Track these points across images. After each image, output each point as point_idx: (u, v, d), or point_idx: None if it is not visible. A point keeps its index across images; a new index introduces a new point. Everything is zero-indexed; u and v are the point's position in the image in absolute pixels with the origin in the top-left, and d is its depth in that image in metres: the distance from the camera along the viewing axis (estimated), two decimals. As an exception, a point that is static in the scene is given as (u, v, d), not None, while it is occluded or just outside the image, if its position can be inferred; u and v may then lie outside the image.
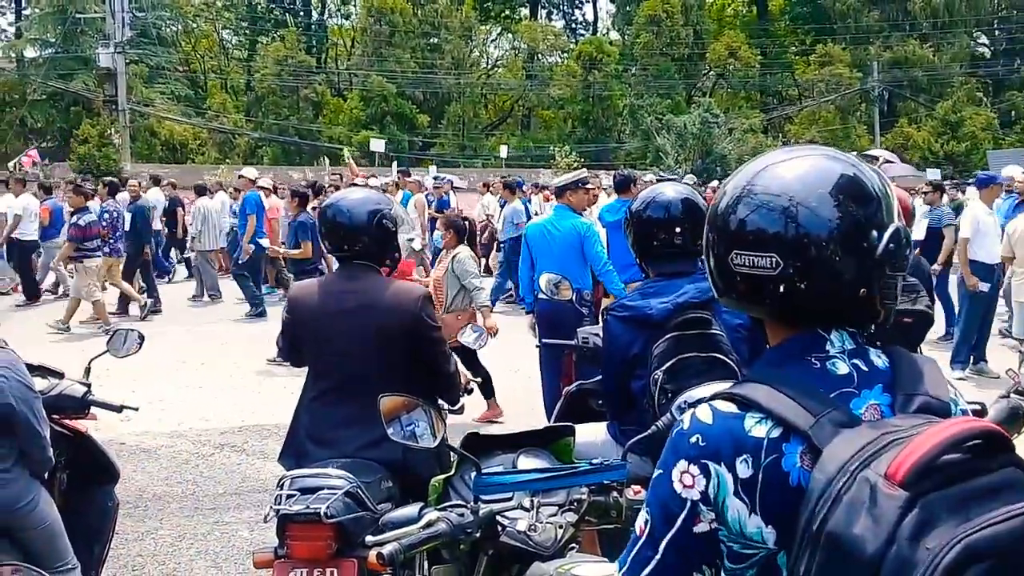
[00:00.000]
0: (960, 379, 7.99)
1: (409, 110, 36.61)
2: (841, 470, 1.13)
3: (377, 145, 25.27)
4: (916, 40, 37.45)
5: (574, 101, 37.31)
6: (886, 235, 1.29)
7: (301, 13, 44.40)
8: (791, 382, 1.26)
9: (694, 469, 1.24)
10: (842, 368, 1.29)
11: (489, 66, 45.15)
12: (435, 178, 17.42)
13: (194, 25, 41.95)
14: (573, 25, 48.27)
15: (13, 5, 39.89)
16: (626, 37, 40.74)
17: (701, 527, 1.24)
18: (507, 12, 45.52)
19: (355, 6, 43.19)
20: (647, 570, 1.27)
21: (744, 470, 1.22)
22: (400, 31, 37.01)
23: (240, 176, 13.55)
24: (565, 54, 41.29)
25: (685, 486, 1.25)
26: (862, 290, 1.29)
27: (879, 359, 1.32)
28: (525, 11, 45.68)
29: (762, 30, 41.62)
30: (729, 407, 1.26)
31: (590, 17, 48.60)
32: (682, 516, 1.25)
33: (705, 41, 38.67)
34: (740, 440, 1.23)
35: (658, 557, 1.26)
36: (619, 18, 42.94)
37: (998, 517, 1.04)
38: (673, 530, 1.25)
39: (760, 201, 1.32)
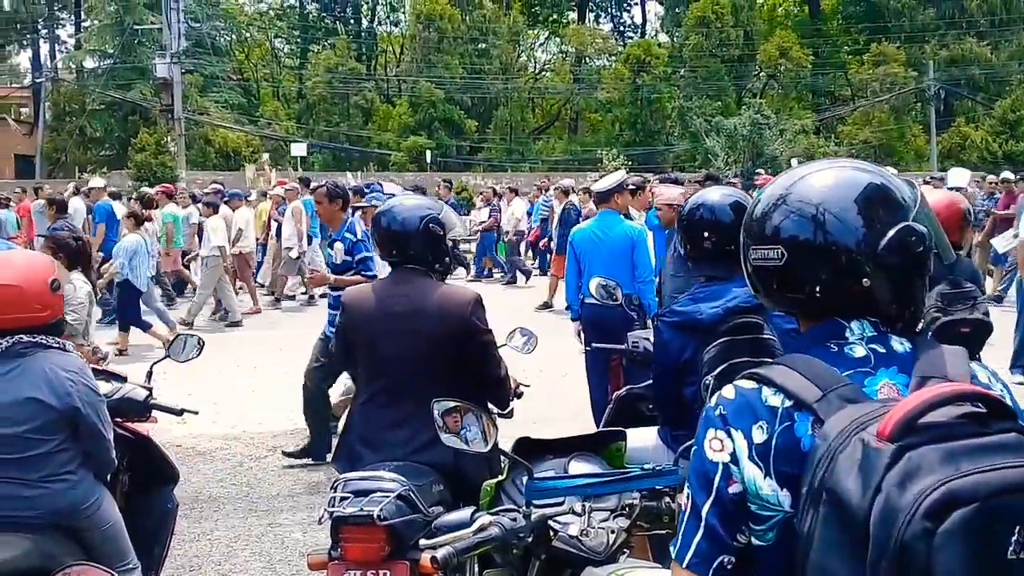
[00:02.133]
0: (1019, 383, 7.82)
1: (457, 115, 36.80)
2: (839, 434, 1.19)
3: (299, 149, 25.72)
4: (973, 38, 36.63)
5: (622, 104, 37.17)
6: (891, 232, 1.35)
7: (351, 21, 44.91)
8: (807, 363, 1.34)
9: (720, 434, 1.34)
10: (859, 352, 1.37)
11: (537, 70, 45.22)
12: (367, 187, 12.17)
13: (247, 34, 42.67)
14: (621, 28, 48.12)
15: (73, 17, 40.96)
16: (675, 39, 40.49)
17: (736, 487, 1.32)
18: (555, 16, 45.51)
19: (404, 13, 43.58)
20: (696, 539, 1.34)
21: (759, 436, 1.31)
22: (448, 37, 37.24)
23: (91, 188, 13.79)
24: (613, 57, 41.15)
25: (715, 451, 1.35)
26: (864, 281, 1.36)
27: (900, 345, 1.39)
28: (573, 15, 45.63)
29: (814, 30, 41.04)
30: (749, 384, 1.37)
31: (638, 20, 48.44)
32: (717, 479, 1.33)
33: (755, 42, 38.25)
34: (757, 408, 1.33)
35: (703, 524, 1.33)
36: (668, 20, 42.68)
37: (986, 467, 1.07)
38: (712, 495, 1.33)
39: (778, 202, 1.43)
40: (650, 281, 6.32)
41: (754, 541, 1.33)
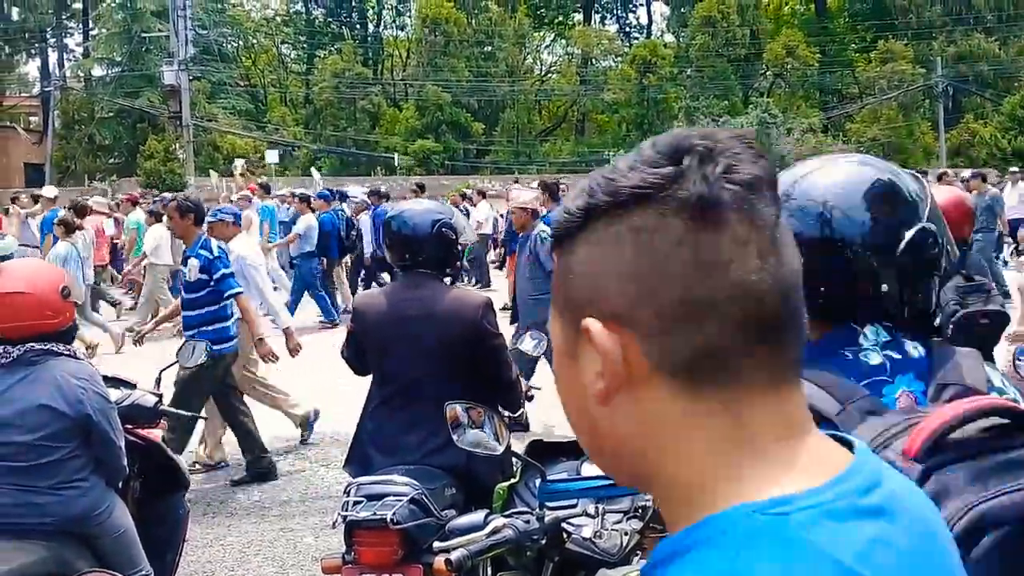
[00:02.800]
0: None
1: (464, 118, 36.83)
2: None
3: (272, 156, 26.01)
4: (981, 34, 36.50)
5: (628, 105, 37.16)
6: (908, 234, 1.32)
7: (357, 26, 45.01)
8: (823, 374, 1.29)
9: None
10: (875, 359, 1.33)
11: (543, 72, 45.23)
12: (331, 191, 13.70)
13: (254, 41, 42.82)
14: (627, 29, 48.09)
15: (81, 26, 41.17)
16: (681, 39, 40.45)
17: None
18: (560, 18, 45.53)
19: (410, 17, 43.66)
20: None
21: None
22: (454, 40, 37.28)
23: (41, 196, 13.65)
24: (619, 58, 41.15)
25: None
26: (883, 287, 1.33)
27: (915, 350, 1.35)
28: (578, 16, 45.62)
29: (820, 28, 40.96)
30: None
31: (644, 21, 48.42)
32: None
33: (762, 41, 38.19)
34: None
35: None
36: (674, 20, 42.66)
37: (1014, 486, 1.03)
38: None
39: (786, 202, 1.37)
40: None
41: None
